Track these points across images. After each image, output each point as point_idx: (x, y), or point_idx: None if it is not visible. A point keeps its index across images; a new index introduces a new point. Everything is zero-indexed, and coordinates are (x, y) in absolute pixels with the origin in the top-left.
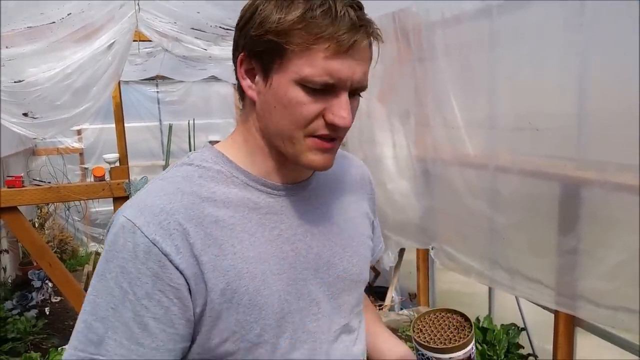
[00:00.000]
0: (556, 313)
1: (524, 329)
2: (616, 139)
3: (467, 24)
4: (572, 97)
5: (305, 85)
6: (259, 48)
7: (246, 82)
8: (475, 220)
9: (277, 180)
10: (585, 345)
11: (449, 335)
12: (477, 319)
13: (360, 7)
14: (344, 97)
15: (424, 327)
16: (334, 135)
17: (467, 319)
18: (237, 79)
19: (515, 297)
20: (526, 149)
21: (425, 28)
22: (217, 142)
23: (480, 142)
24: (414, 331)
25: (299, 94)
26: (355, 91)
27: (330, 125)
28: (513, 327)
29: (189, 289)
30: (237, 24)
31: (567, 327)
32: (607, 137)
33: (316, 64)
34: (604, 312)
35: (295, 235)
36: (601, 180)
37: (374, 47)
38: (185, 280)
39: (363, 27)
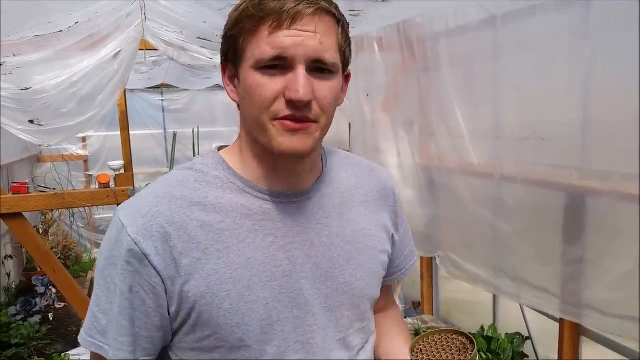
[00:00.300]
0: (561, 322)
1: (529, 337)
2: (621, 148)
3: (472, 34)
4: (576, 107)
5: (261, 67)
6: (225, 48)
7: (229, 88)
8: (480, 229)
9: (276, 187)
10: (590, 354)
11: (448, 357)
12: (482, 328)
13: None
14: (299, 71)
15: (425, 347)
16: (298, 115)
17: (471, 340)
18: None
19: (520, 305)
20: (531, 158)
21: (429, 38)
22: (225, 146)
23: (484, 151)
24: (413, 353)
25: (256, 77)
26: (317, 66)
27: (290, 103)
28: (518, 336)
29: (165, 289)
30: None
31: (572, 336)
32: (612, 146)
33: (262, 42)
34: (610, 321)
35: (291, 243)
36: (607, 190)
37: (339, 24)
38: (162, 280)
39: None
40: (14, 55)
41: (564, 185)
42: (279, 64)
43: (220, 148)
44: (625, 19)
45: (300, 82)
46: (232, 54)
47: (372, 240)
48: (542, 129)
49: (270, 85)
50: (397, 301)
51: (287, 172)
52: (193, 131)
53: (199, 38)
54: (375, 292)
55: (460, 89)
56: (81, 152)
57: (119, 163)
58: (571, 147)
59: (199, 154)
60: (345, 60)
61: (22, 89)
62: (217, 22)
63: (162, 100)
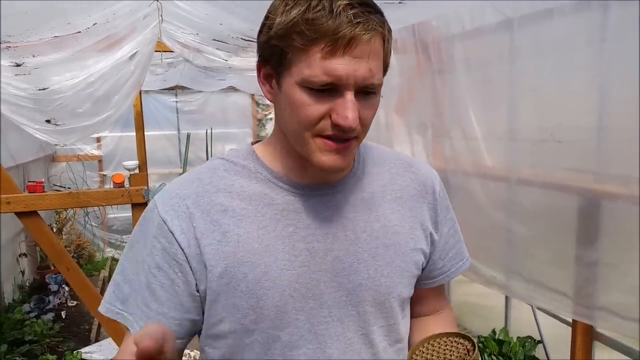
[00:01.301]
0: (574, 326)
1: (541, 341)
2: (638, 151)
3: (488, 37)
4: (593, 110)
5: (307, 86)
6: (266, 54)
7: (265, 87)
8: (495, 232)
9: (302, 180)
10: (603, 359)
11: None
12: (493, 331)
13: (361, 3)
14: (349, 97)
15: (427, 350)
16: (343, 136)
17: (473, 343)
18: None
19: (532, 309)
20: (547, 162)
21: (445, 41)
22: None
23: (500, 154)
24: (414, 356)
25: (302, 95)
26: (364, 89)
27: (336, 126)
28: (529, 340)
29: (190, 267)
30: (257, 35)
31: (585, 340)
32: (628, 150)
33: (314, 65)
34: (628, 325)
35: (312, 235)
36: (623, 194)
37: (385, 42)
38: (187, 258)
39: (361, 23)
40: (33, 56)
41: (580, 188)
42: (328, 88)
43: (254, 143)
44: None
45: (349, 108)
46: (274, 62)
47: (404, 237)
48: (558, 132)
49: (317, 106)
50: None
51: (316, 170)
52: (206, 132)
53: (214, 40)
54: (403, 291)
55: (476, 92)
56: (95, 152)
57: (133, 163)
58: (587, 151)
59: (212, 155)
60: (386, 69)
61: (39, 89)
62: (233, 24)
63: (176, 101)
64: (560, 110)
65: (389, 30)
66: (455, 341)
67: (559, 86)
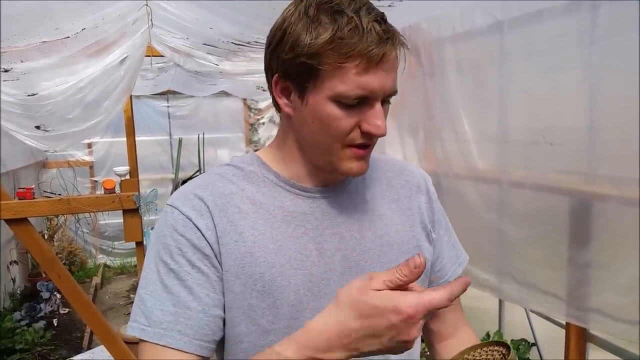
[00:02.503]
0: (567, 328)
1: (535, 344)
2: (629, 153)
3: (478, 39)
4: (584, 111)
5: (340, 101)
6: (292, 70)
7: (282, 101)
8: (487, 234)
9: (308, 183)
10: None
11: None
12: (487, 334)
13: (384, 20)
14: (378, 107)
15: None
16: (370, 143)
17: (507, 346)
18: (272, 97)
19: (526, 312)
20: (538, 163)
21: (435, 43)
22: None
23: (491, 156)
24: None
25: (335, 110)
26: (386, 98)
27: (366, 135)
28: (523, 343)
29: (218, 261)
30: (267, 46)
31: (578, 342)
32: (619, 151)
33: (349, 81)
34: (621, 326)
35: (321, 236)
36: (614, 195)
37: (401, 53)
38: (214, 252)
39: (390, 39)
40: (21, 62)
41: (572, 190)
42: (360, 101)
43: (255, 151)
44: (633, 23)
45: (380, 117)
46: (301, 77)
47: (406, 235)
48: (549, 133)
49: (348, 119)
50: None
51: (325, 174)
52: (198, 137)
53: (205, 44)
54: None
55: (467, 94)
56: (87, 158)
57: (124, 169)
58: (578, 152)
59: (204, 160)
60: None
61: (28, 95)
62: (223, 28)
63: (168, 106)
64: (551, 112)
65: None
66: (489, 350)
67: (549, 88)
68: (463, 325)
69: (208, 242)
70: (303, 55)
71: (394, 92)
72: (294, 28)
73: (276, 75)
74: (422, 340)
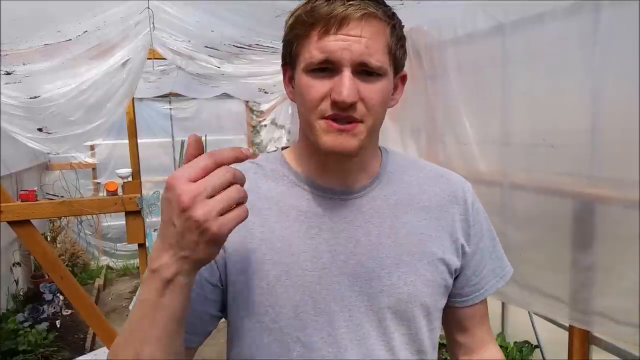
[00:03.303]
0: (571, 330)
1: (538, 346)
2: (631, 155)
3: (480, 42)
4: (586, 114)
5: (310, 70)
6: (284, 53)
7: (288, 89)
8: None
9: (326, 184)
10: None
11: None
12: None
13: None
14: (345, 74)
15: None
16: (342, 115)
17: None
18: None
19: (529, 314)
20: (540, 166)
21: (437, 46)
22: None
23: (493, 159)
24: None
25: (307, 79)
26: (363, 69)
27: (334, 104)
28: (526, 345)
29: (215, 260)
30: None
31: (581, 344)
32: (622, 153)
33: (312, 47)
34: (623, 329)
35: (335, 238)
36: (617, 197)
37: (391, 29)
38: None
39: (353, 5)
40: (24, 64)
41: (574, 192)
42: (327, 67)
43: (284, 148)
44: (635, 25)
45: (344, 85)
46: (289, 57)
47: (430, 246)
48: (551, 136)
49: (318, 86)
50: None
51: (336, 169)
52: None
53: (206, 47)
54: (428, 300)
55: (468, 97)
56: (89, 160)
57: (126, 171)
58: (581, 155)
59: None
60: (397, 62)
61: (31, 98)
62: (224, 31)
63: (170, 108)
64: (553, 114)
65: (395, 18)
66: None
67: (551, 90)
68: (490, 342)
69: None
70: (285, 34)
71: (369, 62)
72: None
73: (282, 64)
74: (446, 350)
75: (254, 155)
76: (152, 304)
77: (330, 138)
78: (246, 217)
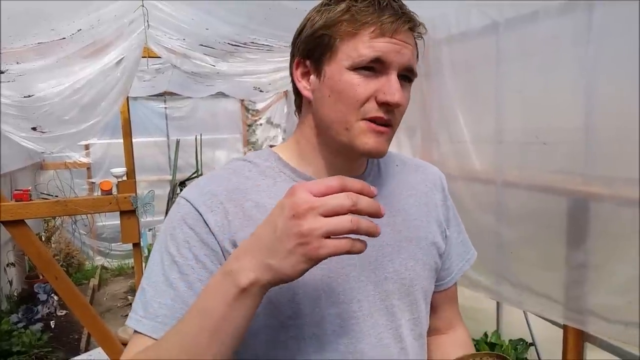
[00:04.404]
0: (565, 328)
1: (533, 344)
2: (624, 152)
3: (474, 40)
4: (579, 111)
5: (356, 67)
6: (310, 46)
7: (302, 84)
8: (482, 235)
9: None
10: None
11: None
12: (485, 335)
13: (402, 3)
14: (394, 76)
15: None
16: (387, 117)
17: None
18: (293, 84)
19: (524, 312)
20: (534, 164)
21: (431, 44)
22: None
23: (487, 157)
24: None
25: (351, 76)
26: (405, 74)
27: (382, 106)
28: (521, 343)
29: (225, 258)
30: (293, 39)
31: (576, 342)
32: (615, 151)
33: (363, 45)
34: (614, 328)
35: None
36: (610, 195)
37: (419, 40)
38: (222, 249)
39: (405, 14)
40: (17, 63)
41: (567, 190)
42: (375, 67)
43: (270, 147)
44: (628, 23)
45: (396, 87)
46: (319, 52)
47: (424, 231)
48: (545, 134)
49: (364, 85)
50: None
51: (342, 167)
52: (196, 138)
53: (201, 45)
54: (426, 284)
55: (463, 95)
56: (84, 160)
57: (121, 170)
58: (574, 152)
59: (201, 161)
60: (415, 74)
61: (24, 97)
62: (219, 29)
63: (165, 107)
64: (547, 112)
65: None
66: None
67: (545, 88)
68: (458, 323)
69: (216, 239)
70: (320, 28)
71: (414, 72)
72: (312, 13)
73: (297, 58)
74: None
75: None
76: (218, 314)
77: (372, 139)
78: (347, 251)
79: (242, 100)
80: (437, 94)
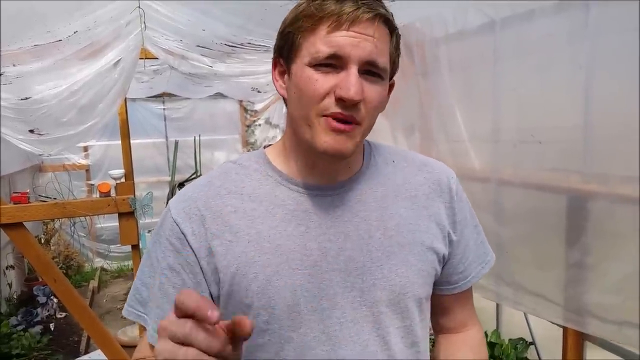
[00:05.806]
0: (565, 327)
1: (532, 343)
2: (621, 150)
3: (471, 39)
4: (576, 110)
5: (315, 64)
6: (281, 45)
7: (278, 83)
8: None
9: (311, 181)
10: (595, 359)
11: None
12: (485, 334)
13: None
14: (353, 71)
15: None
16: (347, 114)
17: None
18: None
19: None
20: (531, 162)
21: (429, 43)
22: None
23: (484, 156)
24: None
25: (310, 72)
26: (369, 69)
27: (339, 102)
28: (521, 342)
29: (201, 268)
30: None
31: (576, 341)
32: (612, 149)
33: (320, 41)
34: (609, 327)
35: (324, 234)
36: (606, 193)
37: (392, 34)
38: (197, 259)
39: (364, 5)
40: (14, 65)
41: (564, 188)
42: (333, 63)
43: (266, 147)
44: (625, 21)
45: (352, 82)
46: (286, 50)
47: (419, 236)
48: (542, 132)
49: (322, 81)
50: None
51: (325, 168)
52: (194, 139)
53: (198, 46)
54: (419, 291)
55: (460, 93)
56: (83, 162)
57: (119, 172)
58: (571, 151)
59: (200, 162)
60: (393, 70)
61: (22, 99)
62: (216, 30)
63: (164, 109)
64: (544, 110)
65: (397, 27)
66: None
67: (542, 86)
68: (472, 323)
69: (191, 248)
70: (287, 26)
71: (379, 65)
72: (288, 12)
73: (274, 57)
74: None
75: None
76: None
77: (330, 138)
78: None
79: (241, 101)
80: (434, 93)
